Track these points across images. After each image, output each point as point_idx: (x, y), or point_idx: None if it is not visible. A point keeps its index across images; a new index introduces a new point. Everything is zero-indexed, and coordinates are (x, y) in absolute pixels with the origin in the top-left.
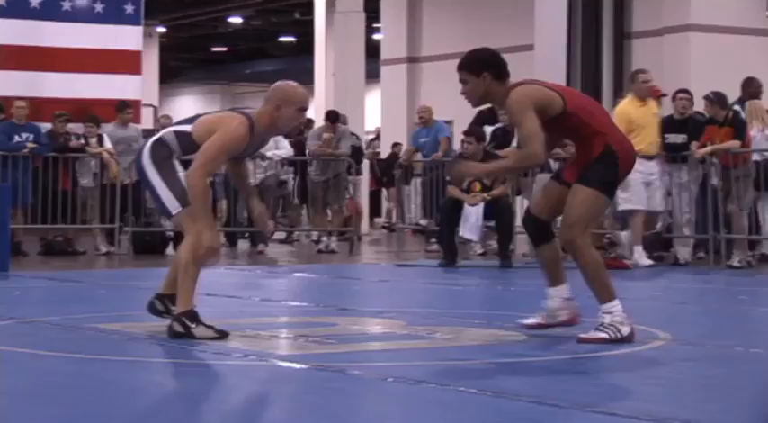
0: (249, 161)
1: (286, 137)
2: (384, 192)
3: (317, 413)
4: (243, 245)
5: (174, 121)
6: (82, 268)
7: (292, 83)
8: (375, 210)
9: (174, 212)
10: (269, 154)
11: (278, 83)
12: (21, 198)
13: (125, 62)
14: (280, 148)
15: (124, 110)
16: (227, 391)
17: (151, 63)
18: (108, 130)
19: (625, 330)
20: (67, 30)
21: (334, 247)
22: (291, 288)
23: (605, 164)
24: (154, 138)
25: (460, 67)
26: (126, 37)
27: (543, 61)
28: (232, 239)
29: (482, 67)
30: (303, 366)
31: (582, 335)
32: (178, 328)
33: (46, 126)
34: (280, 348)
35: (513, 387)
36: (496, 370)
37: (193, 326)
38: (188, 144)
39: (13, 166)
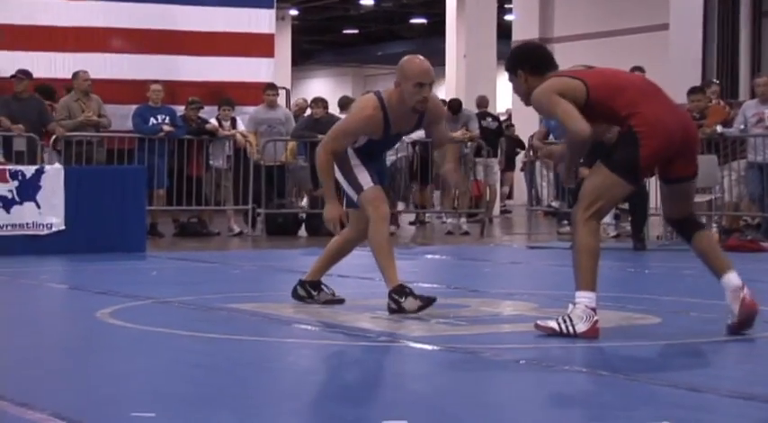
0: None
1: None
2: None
3: (448, 395)
4: None
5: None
6: (215, 249)
7: (412, 58)
8: (509, 191)
9: (356, 200)
10: None
11: (403, 58)
12: (156, 180)
13: (258, 45)
14: None
15: (266, 91)
16: (358, 372)
17: (284, 46)
18: (253, 111)
19: (580, 328)
20: (202, 14)
21: (466, 229)
22: (423, 269)
23: (624, 145)
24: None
25: (505, 68)
26: (259, 20)
27: (678, 41)
28: None
29: (515, 65)
30: (435, 348)
31: (539, 321)
32: (392, 305)
33: (180, 109)
34: (411, 330)
35: (648, 370)
36: (630, 353)
37: (402, 300)
38: None
39: (149, 148)
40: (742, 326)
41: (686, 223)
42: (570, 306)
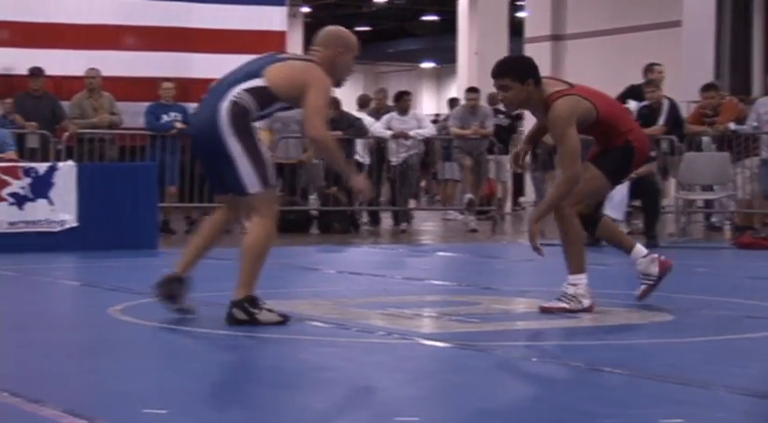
0: (392, 141)
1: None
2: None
3: (459, 392)
4: (386, 223)
5: None
6: (227, 246)
7: (342, 29)
8: (519, 189)
9: (251, 191)
10: (412, 133)
11: (332, 28)
12: (168, 177)
13: (270, 42)
14: (423, 127)
15: None
16: (370, 369)
17: (295, 43)
18: None
19: (586, 302)
20: (214, 11)
21: (474, 226)
22: (434, 267)
23: (622, 154)
24: (225, 102)
25: (502, 75)
26: (271, 17)
27: (691, 38)
28: (375, 218)
29: (527, 74)
30: (446, 345)
31: (544, 304)
32: (240, 314)
33: (192, 106)
34: (423, 327)
35: (658, 368)
36: (642, 350)
37: (257, 311)
38: (266, 97)
39: (161, 146)
40: (660, 281)
41: (593, 216)
42: (570, 287)
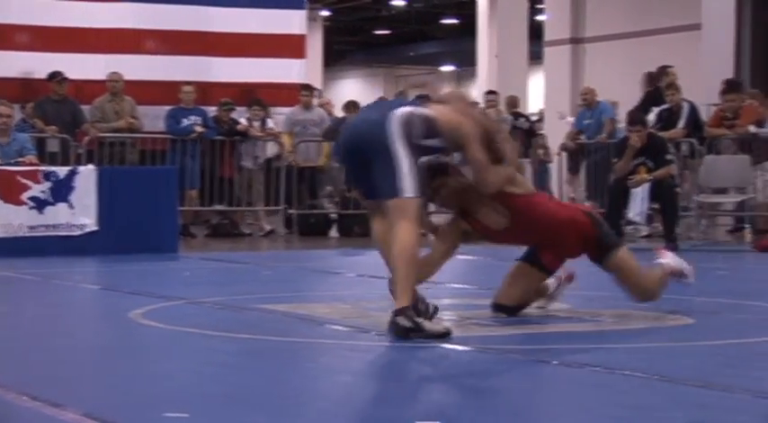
0: None
1: None
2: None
3: (481, 395)
4: None
5: (342, 104)
6: (247, 250)
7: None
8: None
9: (403, 195)
10: None
11: (452, 90)
12: (188, 181)
13: (290, 46)
14: None
15: (302, 92)
16: (390, 373)
17: (315, 47)
18: (289, 111)
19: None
20: (233, 15)
21: None
22: (454, 270)
23: None
24: (398, 113)
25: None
26: (290, 21)
27: (711, 42)
28: None
29: None
30: (466, 348)
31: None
32: (404, 322)
33: (212, 110)
34: None
35: (680, 371)
36: (663, 354)
37: (421, 320)
38: (431, 129)
39: (181, 149)
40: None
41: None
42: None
